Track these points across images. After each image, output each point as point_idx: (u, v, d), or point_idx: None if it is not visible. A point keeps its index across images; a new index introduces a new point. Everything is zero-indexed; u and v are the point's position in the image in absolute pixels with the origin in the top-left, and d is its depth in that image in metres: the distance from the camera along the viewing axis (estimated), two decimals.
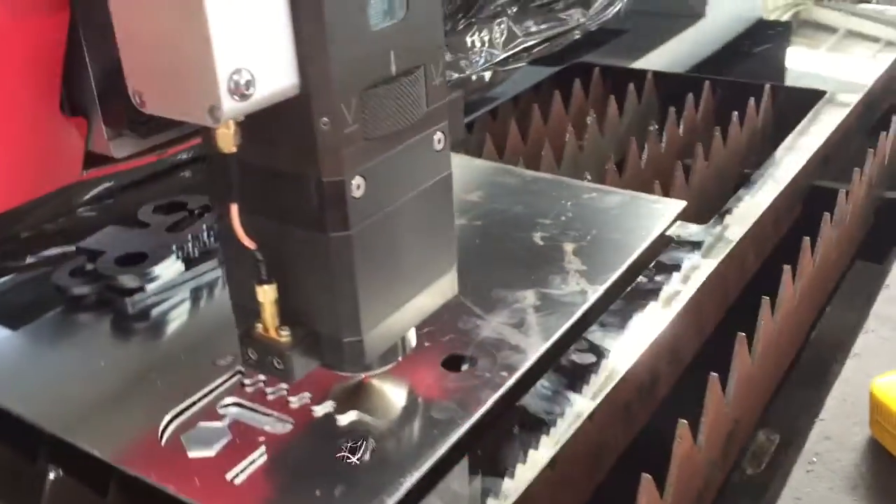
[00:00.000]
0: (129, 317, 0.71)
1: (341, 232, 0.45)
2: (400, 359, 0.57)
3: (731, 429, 0.70)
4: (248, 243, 0.46)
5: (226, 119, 0.40)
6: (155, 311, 0.72)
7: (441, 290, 0.54)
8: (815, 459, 0.55)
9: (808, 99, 1.11)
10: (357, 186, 0.45)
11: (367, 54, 0.43)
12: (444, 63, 0.50)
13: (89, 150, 0.54)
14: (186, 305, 0.73)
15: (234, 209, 0.45)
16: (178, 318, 0.71)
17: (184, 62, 0.39)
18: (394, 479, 0.52)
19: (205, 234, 0.76)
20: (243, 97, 0.40)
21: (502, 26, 1.09)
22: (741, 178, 1.11)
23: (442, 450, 0.55)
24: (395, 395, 0.59)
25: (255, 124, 0.42)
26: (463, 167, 0.93)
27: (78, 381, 0.64)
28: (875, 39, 1.44)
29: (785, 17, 1.62)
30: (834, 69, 1.37)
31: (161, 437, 0.57)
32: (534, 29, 1.14)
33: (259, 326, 0.49)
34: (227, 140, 0.42)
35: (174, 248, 0.74)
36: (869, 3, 1.65)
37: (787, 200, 0.92)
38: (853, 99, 1.10)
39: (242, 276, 0.49)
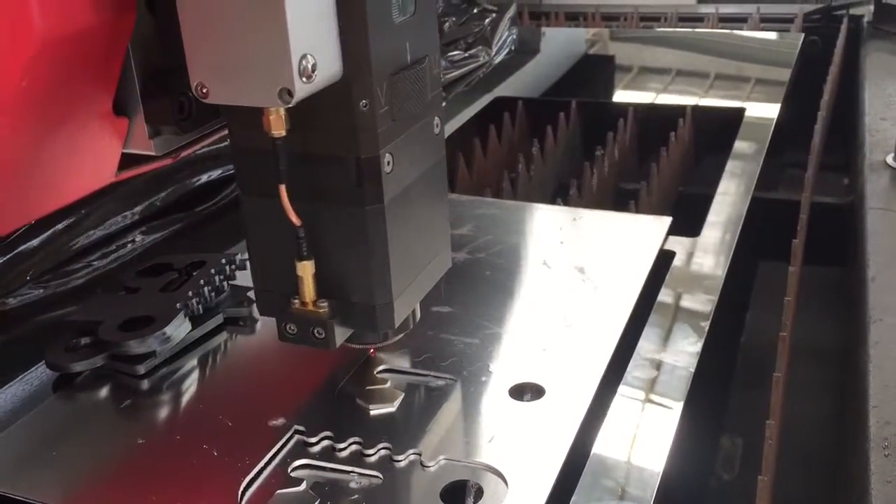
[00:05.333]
0: (141, 385, 0.65)
1: (376, 204, 0.51)
2: (410, 328, 0.62)
3: None
4: (296, 220, 0.50)
5: (297, 99, 0.45)
6: (171, 378, 0.66)
7: (441, 263, 0.61)
8: (886, 444, 0.58)
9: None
10: (388, 162, 0.51)
11: (392, 44, 0.50)
12: (440, 56, 0.58)
13: (124, 152, 0.56)
14: (201, 368, 0.68)
15: (284, 190, 0.49)
16: (200, 382, 0.66)
17: (256, 52, 0.45)
18: None
19: (206, 290, 0.71)
20: (309, 79, 0.45)
21: None
22: (679, 196, 1.17)
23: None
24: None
25: (294, 113, 0.47)
26: None
27: (122, 466, 0.58)
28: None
29: None
30: None
31: None
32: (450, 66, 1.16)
33: (296, 303, 0.53)
34: (279, 124, 0.47)
35: (178, 306, 0.68)
36: None
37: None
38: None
39: (275, 260, 0.53)
